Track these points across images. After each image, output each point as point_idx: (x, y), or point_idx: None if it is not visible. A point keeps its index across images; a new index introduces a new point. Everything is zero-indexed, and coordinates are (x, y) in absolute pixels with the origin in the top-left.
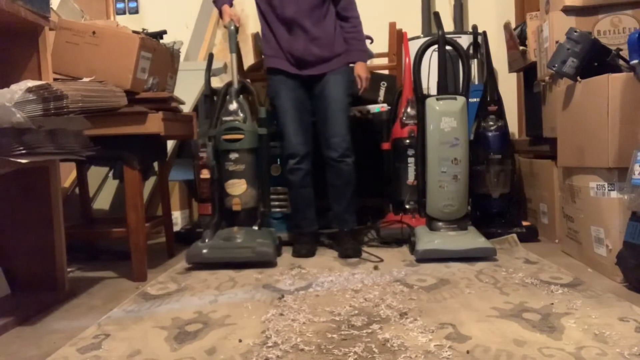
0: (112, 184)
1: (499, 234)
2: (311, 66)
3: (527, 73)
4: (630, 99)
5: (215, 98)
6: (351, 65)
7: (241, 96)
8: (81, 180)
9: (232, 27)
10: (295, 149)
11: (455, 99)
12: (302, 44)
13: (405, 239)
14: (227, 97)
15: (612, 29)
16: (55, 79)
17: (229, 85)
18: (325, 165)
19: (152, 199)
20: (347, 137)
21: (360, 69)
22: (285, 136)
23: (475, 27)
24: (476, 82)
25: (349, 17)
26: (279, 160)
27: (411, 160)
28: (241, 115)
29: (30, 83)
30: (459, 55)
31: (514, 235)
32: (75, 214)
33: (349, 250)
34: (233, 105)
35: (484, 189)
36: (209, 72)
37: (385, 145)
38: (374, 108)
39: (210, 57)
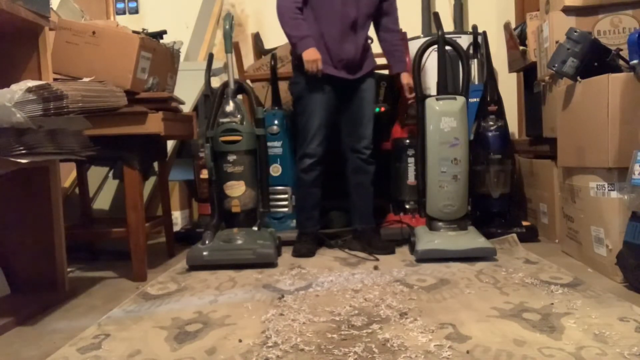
0: (112, 184)
1: (499, 234)
2: (354, 71)
3: (527, 73)
4: (630, 99)
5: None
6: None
7: (239, 96)
8: (81, 180)
9: (228, 27)
10: (316, 150)
11: (455, 99)
12: (352, 47)
13: (405, 239)
14: (224, 97)
15: (612, 29)
16: (55, 79)
17: (225, 85)
18: (349, 165)
19: (152, 199)
20: (372, 139)
21: (406, 78)
22: (307, 136)
23: (475, 27)
24: (476, 82)
25: (395, 31)
26: (278, 160)
27: (411, 160)
28: (238, 116)
29: (30, 83)
30: (459, 55)
31: (514, 235)
32: (75, 214)
33: (387, 247)
34: (230, 106)
35: (484, 189)
36: (209, 72)
37: (385, 145)
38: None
39: (210, 57)
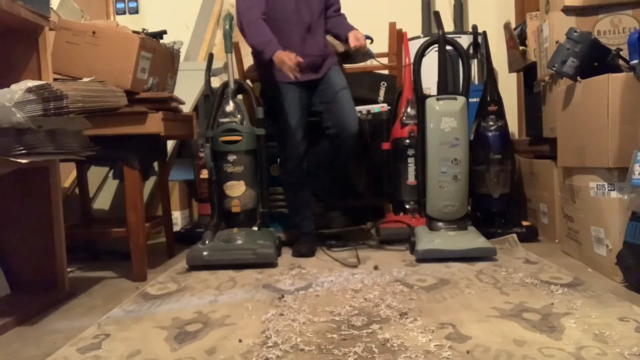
0: (112, 184)
1: (499, 234)
2: (318, 69)
3: (527, 73)
4: (630, 99)
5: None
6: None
7: (239, 96)
8: (81, 180)
9: (228, 27)
10: (298, 150)
11: (455, 99)
12: (315, 49)
13: (405, 239)
14: (224, 97)
15: (612, 29)
16: (55, 79)
17: (225, 85)
18: (334, 143)
19: (152, 199)
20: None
21: (355, 32)
22: (288, 138)
23: (475, 27)
24: (476, 82)
25: (340, 14)
26: (278, 160)
27: (411, 160)
28: (238, 116)
29: (30, 83)
30: (459, 55)
31: (514, 235)
32: (75, 214)
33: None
34: (230, 106)
35: (484, 189)
36: (209, 72)
37: (385, 145)
38: (374, 108)
39: (210, 57)
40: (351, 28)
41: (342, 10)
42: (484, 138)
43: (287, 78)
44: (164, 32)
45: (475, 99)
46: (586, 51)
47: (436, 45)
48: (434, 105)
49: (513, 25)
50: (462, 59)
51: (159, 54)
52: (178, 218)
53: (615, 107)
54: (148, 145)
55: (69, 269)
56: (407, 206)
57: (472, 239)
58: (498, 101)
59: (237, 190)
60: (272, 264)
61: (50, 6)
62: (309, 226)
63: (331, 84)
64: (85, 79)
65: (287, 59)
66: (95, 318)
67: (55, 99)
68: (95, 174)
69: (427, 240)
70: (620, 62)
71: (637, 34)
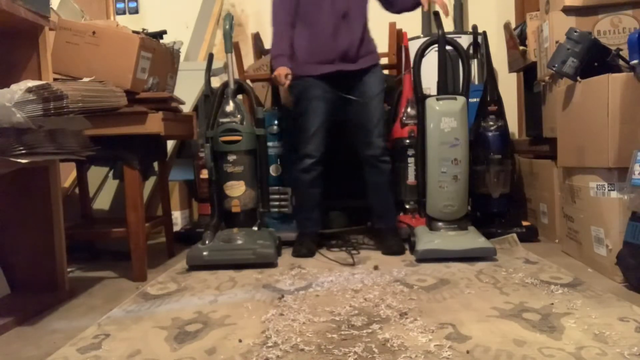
0: (112, 184)
1: (499, 234)
2: (353, 61)
3: (527, 73)
4: (630, 99)
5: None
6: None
7: (239, 96)
8: (81, 180)
9: (228, 27)
10: (317, 150)
11: (455, 99)
12: (347, 39)
13: (405, 239)
14: (224, 97)
15: (612, 29)
16: (55, 79)
17: (225, 85)
18: (363, 164)
19: (152, 199)
20: (384, 136)
21: None
22: (307, 136)
23: (475, 27)
24: (476, 82)
25: None
26: (278, 160)
27: (411, 160)
28: (238, 116)
29: (30, 83)
30: (459, 55)
31: (514, 235)
32: (75, 214)
33: (394, 247)
34: (230, 106)
35: (484, 189)
36: (209, 72)
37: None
38: None
39: (210, 57)
40: None
41: None
42: (484, 138)
43: (315, 71)
44: (164, 32)
45: (475, 99)
46: (586, 51)
47: (436, 45)
48: (434, 105)
49: (513, 25)
50: (462, 59)
51: (159, 54)
52: (178, 218)
53: (615, 107)
54: (148, 145)
55: (69, 269)
56: (407, 206)
57: (472, 239)
58: (498, 101)
59: (237, 190)
60: (272, 264)
61: (50, 6)
62: (311, 226)
63: (363, 96)
64: (85, 79)
65: (280, 78)
66: (95, 318)
67: (55, 99)
68: (95, 174)
69: (427, 240)
70: (620, 62)
71: (637, 34)
